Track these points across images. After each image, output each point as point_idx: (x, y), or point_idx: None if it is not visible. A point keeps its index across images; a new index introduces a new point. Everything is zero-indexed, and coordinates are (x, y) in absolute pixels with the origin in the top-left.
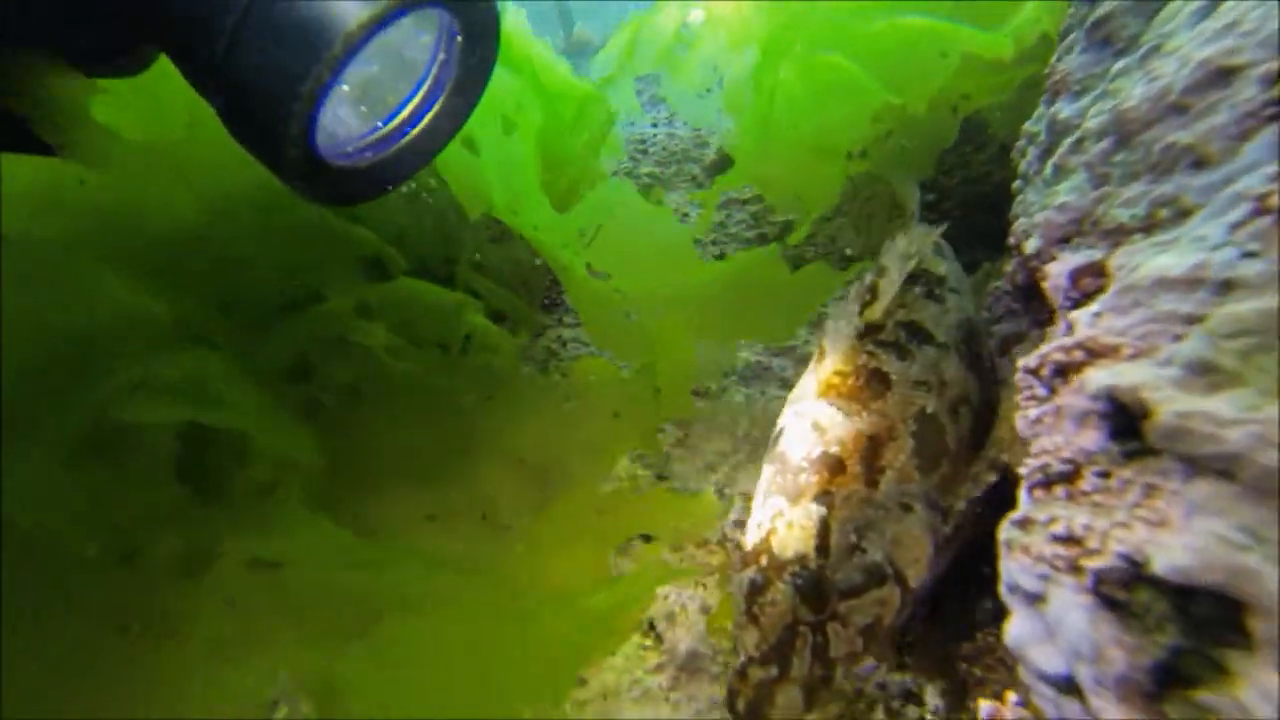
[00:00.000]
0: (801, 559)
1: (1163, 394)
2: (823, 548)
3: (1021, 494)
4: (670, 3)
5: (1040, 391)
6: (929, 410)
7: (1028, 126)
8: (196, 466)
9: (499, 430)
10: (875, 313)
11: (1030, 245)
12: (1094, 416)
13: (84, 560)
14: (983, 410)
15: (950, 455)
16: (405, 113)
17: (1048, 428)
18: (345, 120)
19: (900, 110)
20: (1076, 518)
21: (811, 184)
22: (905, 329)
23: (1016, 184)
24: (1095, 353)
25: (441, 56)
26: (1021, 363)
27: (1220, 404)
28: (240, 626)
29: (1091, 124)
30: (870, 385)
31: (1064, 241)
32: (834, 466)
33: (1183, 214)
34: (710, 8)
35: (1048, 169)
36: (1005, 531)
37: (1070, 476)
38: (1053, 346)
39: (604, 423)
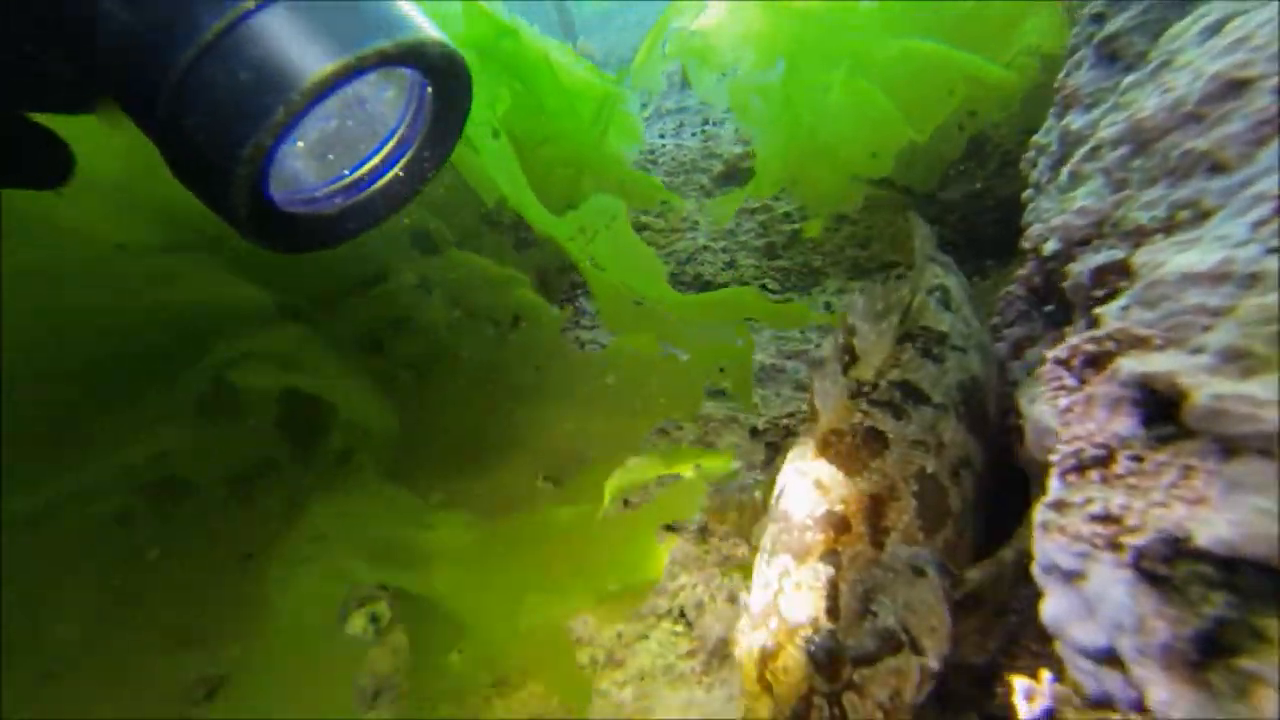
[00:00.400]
0: (812, 622)
1: (1197, 379)
2: (833, 610)
3: (1052, 480)
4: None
5: (1070, 381)
6: (929, 470)
7: (1037, 139)
8: (292, 428)
9: (551, 402)
10: (865, 372)
11: (1049, 247)
12: (1126, 403)
13: (215, 499)
14: (985, 475)
15: (955, 518)
16: (376, 160)
17: (1078, 416)
18: (307, 170)
19: (913, 138)
20: (1113, 498)
21: (829, 195)
22: (900, 389)
23: (1028, 193)
24: (1125, 343)
25: (412, 107)
26: (1050, 355)
27: (1255, 387)
28: (327, 563)
29: (1106, 133)
30: (868, 444)
31: (1083, 243)
32: (839, 525)
33: (1203, 215)
34: (725, 18)
35: (1062, 176)
36: (1040, 514)
37: (1104, 461)
38: (1083, 338)
39: (643, 397)
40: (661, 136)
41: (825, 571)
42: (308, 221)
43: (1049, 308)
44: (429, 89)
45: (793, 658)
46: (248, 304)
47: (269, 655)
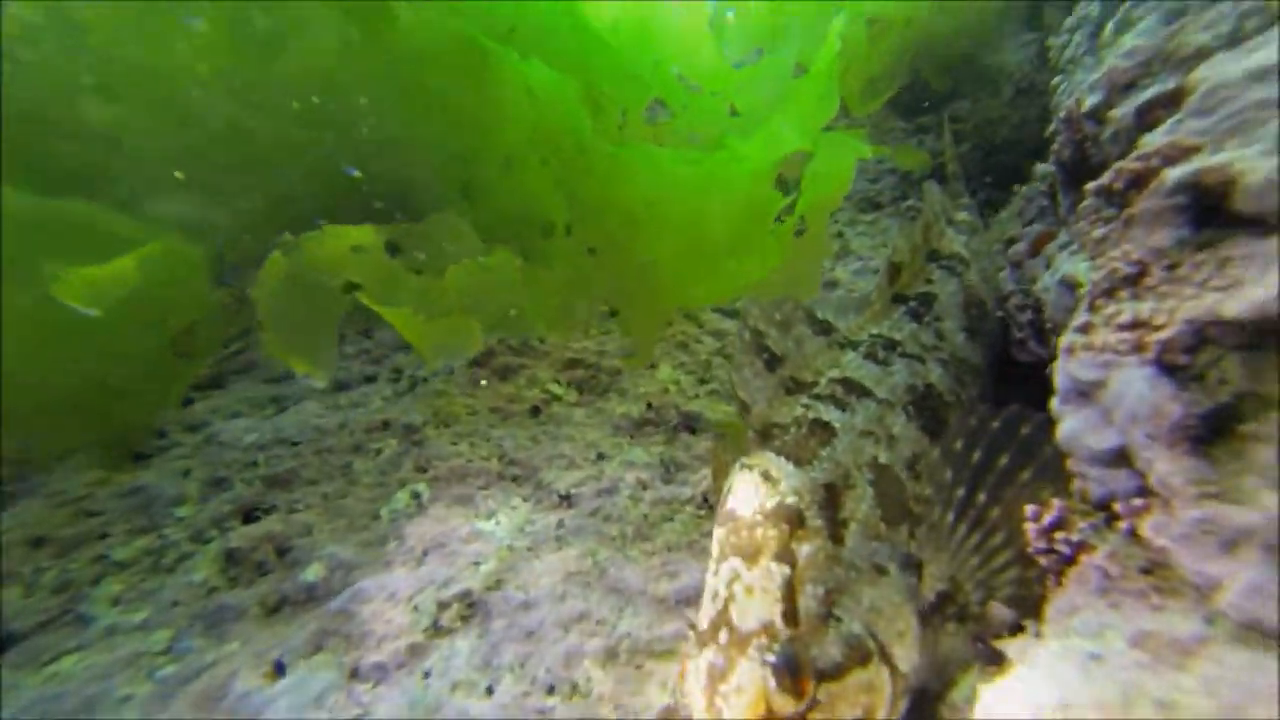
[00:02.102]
0: (767, 628)
1: (1250, 164)
2: (790, 614)
3: (1080, 311)
4: None
5: (1109, 211)
6: (882, 460)
7: (1070, 21)
8: None
9: None
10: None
11: (1088, 103)
12: (1169, 213)
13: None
14: (957, 479)
15: (914, 519)
16: None
17: (1114, 242)
18: None
19: None
20: (1143, 306)
21: None
22: (841, 385)
23: (1057, 79)
24: (1173, 157)
25: None
26: (1092, 186)
27: None
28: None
29: None
30: (815, 433)
31: (1130, 86)
32: (792, 518)
33: (1271, 21)
34: None
35: (1106, 31)
36: (1067, 339)
37: (1137, 278)
38: (1129, 159)
39: None
40: None
41: (780, 571)
42: None
43: (1073, 189)
44: None
45: (747, 674)
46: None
47: None
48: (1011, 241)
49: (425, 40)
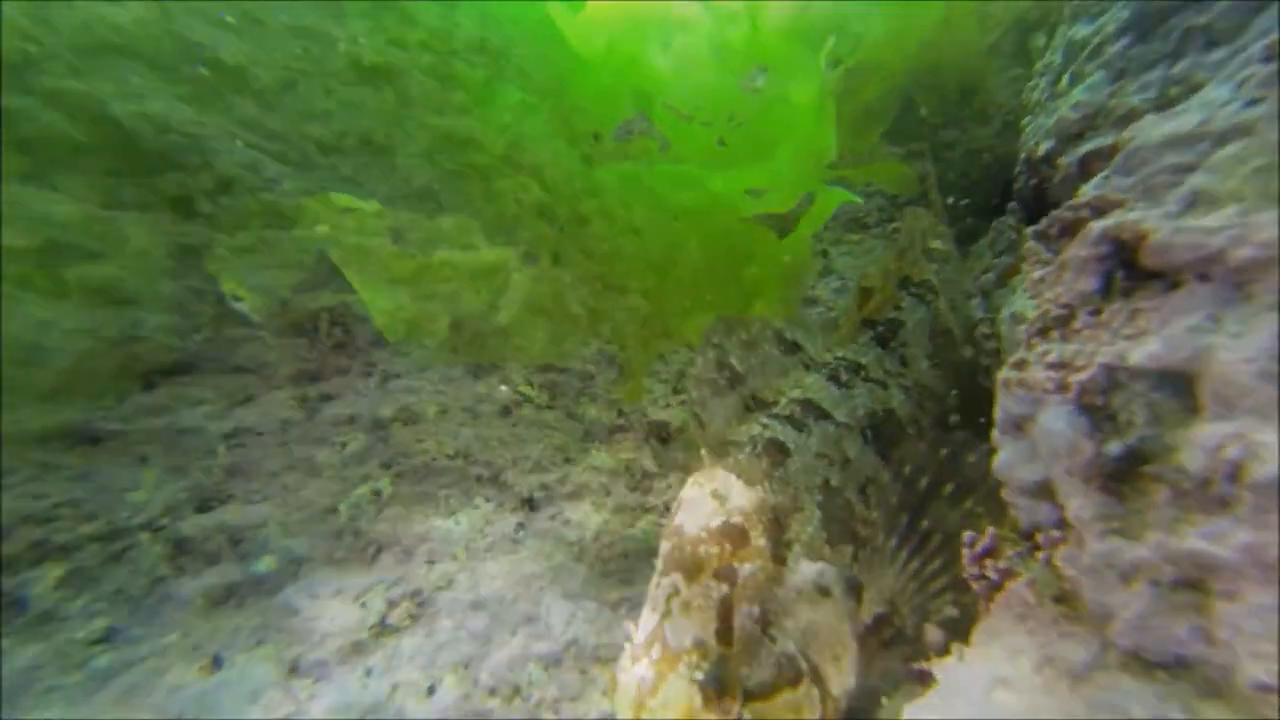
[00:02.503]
0: (700, 646)
1: (1158, 222)
2: (724, 632)
3: (1021, 347)
4: None
5: (1046, 255)
6: (833, 483)
7: (1039, 65)
8: None
9: None
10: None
11: (1043, 148)
12: (1093, 261)
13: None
14: (903, 504)
15: (859, 541)
16: None
17: (1049, 284)
18: None
19: None
20: (1069, 347)
21: None
22: (800, 406)
23: (1025, 119)
24: (1100, 209)
25: None
26: (1031, 230)
27: (1209, 219)
28: None
29: (1110, 28)
30: (769, 454)
31: (1077, 137)
32: (736, 538)
33: (1194, 89)
34: None
35: (1063, 82)
36: (1004, 374)
37: (1066, 319)
38: (1063, 209)
39: None
40: None
41: (719, 589)
42: None
43: (1036, 217)
44: None
45: (675, 690)
46: None
47: None
48: (985, 270)
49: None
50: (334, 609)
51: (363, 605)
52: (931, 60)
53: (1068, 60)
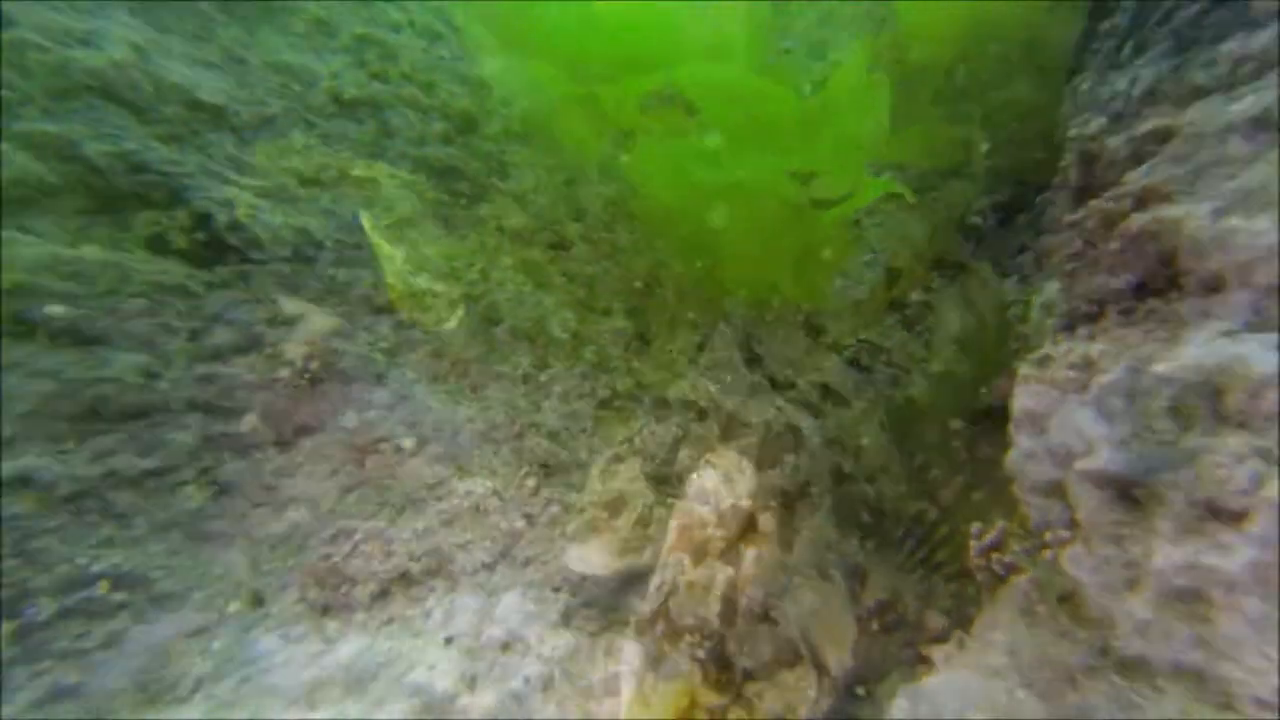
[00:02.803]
0: (702, 625)
1: (1202, 221)
2: (727, 613)
3: (1046, 341)
4: None
5: (1079, 246)
6: (845, 470)
7: (1105, 25)
8: None
9: None
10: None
11: (1093, 125)
12: (1130, 259)
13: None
14: (912, 492)
15: (866, 529)
16: None
17: (1082, 278)
18: None
19: None
20: (1095, 346)
21: None
22: (818, 389)
23: (1083, 86)
24: (1144, 201)
25: None
26: (1068, 218)
27: (1257, 221)
28: None
29: None
30: (782, 439)
31: (1132, 116)
32: (745, 522)
33: (1265, 68)
34: None
35: (1126, 49)
36: (1024, 369)
37: (1095, 316)
38: (1104, 198)
39: None
40: None
41: (724, 572)
42: None
43: (1082, 199)
44: None
45: (676, 665)
46: None
47: None
48: (1023, 249)
49: None
50: None
51: None
52: (993, 15)
53: (1135, 23)
